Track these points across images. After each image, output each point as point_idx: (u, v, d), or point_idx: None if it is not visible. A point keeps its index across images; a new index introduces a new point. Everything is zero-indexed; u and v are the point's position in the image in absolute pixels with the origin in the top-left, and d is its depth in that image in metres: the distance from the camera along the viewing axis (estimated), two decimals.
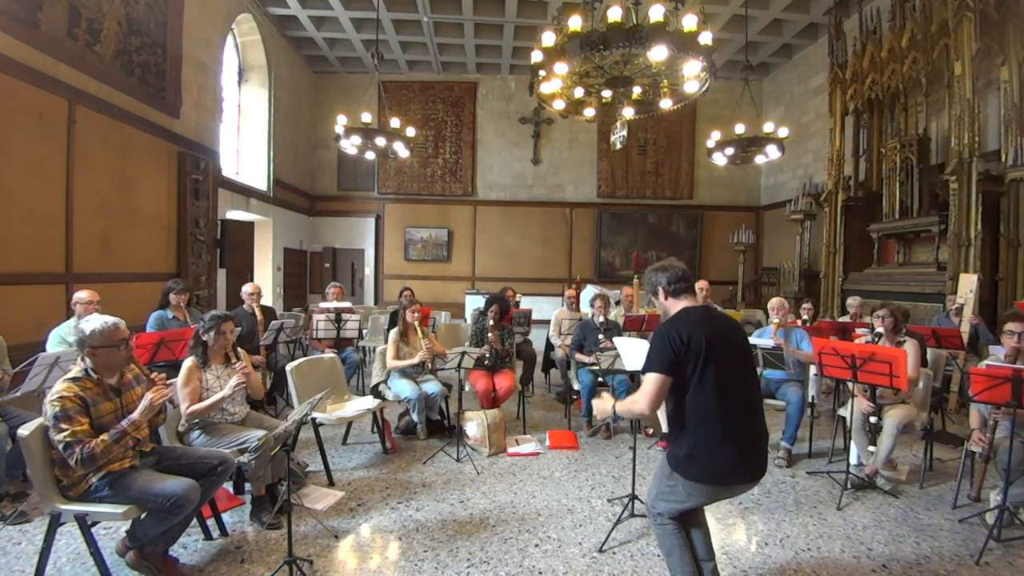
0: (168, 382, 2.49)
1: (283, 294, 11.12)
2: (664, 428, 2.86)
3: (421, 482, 3.57)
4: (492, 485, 3.54)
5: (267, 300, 8.86)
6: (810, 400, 4.25)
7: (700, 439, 1.96)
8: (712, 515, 2.92)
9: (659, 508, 2.15)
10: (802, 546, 2.82)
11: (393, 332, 4.50)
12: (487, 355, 4.54)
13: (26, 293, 4.99)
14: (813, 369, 3.96)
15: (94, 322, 2.32)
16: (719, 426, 1.94)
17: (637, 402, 2.01)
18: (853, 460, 3.70)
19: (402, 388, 4.25)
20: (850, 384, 3.56)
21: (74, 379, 2.26)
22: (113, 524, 2.76)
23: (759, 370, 3.79)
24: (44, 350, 3.45)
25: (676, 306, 2.13)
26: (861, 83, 8.10)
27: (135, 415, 2.29)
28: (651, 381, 1.97)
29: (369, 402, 4.04)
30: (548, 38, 4.69)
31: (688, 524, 2.20)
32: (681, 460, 2.01)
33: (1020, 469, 2.90)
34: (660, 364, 1.96)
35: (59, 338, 3.71)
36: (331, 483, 3.50)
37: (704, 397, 1.93)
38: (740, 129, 7.16)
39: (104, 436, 2.19)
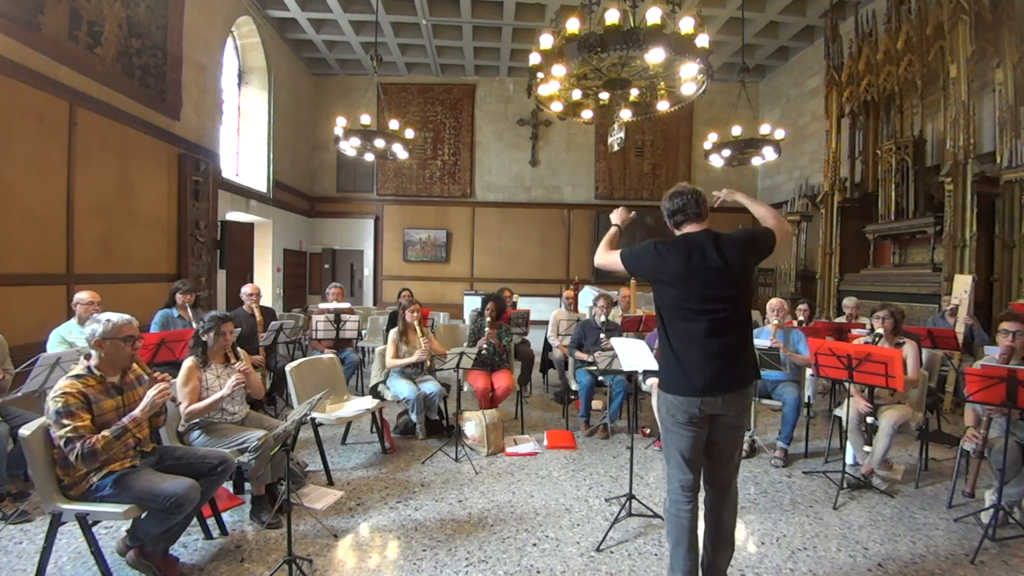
0: (171, 381, 2.52)
1: (283, 295, 11.13)
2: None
3: (420, 482, 3.58)
4: (490, 485, 3.56)
5: (267, 301, 8.87)
6: (806, 400, 4.28)
7: (672, 352, 2.11)
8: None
9: (676, 479, 2.15)
10: (798, 545, 2.85)
11: (393, 332, 4.53)
12: (484, 347, 4.58)
13: (27, 294, 5.00)
14: (809, 369, 3.99)
15: (112, 314, 2.40)
16: (685, 344, 2.08)
17: (600, 250, 2.38)
18: (849, 460, 3.72)
19: (401, 388, 4.27)
20: (846, 384, 3.58)
21: (77, 376, 2.29)
22: (114, 523, 2.78)
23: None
24: (45, 350, 3.47)
25: (678, 235, 2.23)
26: (857, 85, 8.14)
27: (136, 412, 2.31)
28: (615, 257, 2.28)
29: (368, 402, 4.06)
30: (546, 41, 4.72)
31: (718, 493, 2.21)
32: (661, 374, 2.18)
33: (1015, 469, 2.92)
34: (632, 264, 2.25)
35: (60, 338, 3.73)
36: (330, 483, 3.52)
37: (674, 317, 2.12)
38: (737, 131, 7.20)
39: (105, 432, 2.21)
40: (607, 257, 2.32)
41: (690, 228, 2.18)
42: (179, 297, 4.53)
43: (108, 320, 2.35)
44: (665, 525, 2.23)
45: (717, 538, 2.21)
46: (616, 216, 2.52)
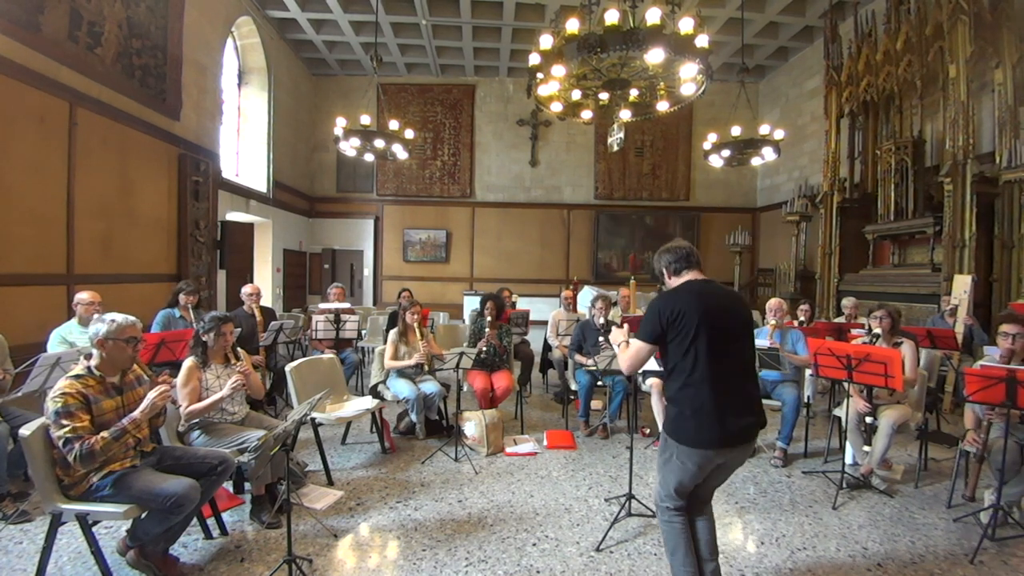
0: (172, 382, 2.52)
1: (282, 295, 11.14)
2: (661, 427, 2.89)
3: (420, 482, 3.59)
4: (490, 485, 3.57)
5: (267, 301, 8.88)
6: (806, 400, 4.29)
7: (688, 405, 2.06)
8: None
9: (666, 501, 2.19)
10: (798, 545, 2.85)
11: (393, 332, 4.53)
12: (484, 348, 4.58)
13: (28, 294, 5.00)
14: (809, 369, 3.99)
15: (117, 315, 2.40)
16: (705, 393, 2.02)
17: (622, 360, 2.26)
18: (848, 460, 3.73)
19: (400, 388, 4.27)
20: (846, 384, 3.59)
21: (77, 376, 2.29)
22: (114, 523, 2.79)
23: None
24: (45, 350, 3.47)
25: (678, 282, 2.21)
26: (856, 85, 8.14)
27: (136, 413, 2.31)
28: (635, 347, 2.19)
29: (368, 402, 4.06)
30: (546, 41, 4.73)
31: (695, 514, 2.23)
32: (672, 424, 2.12)
33: (1014, 469, 2.93)
34: (646, 334, 2.13)
35: (60, 338, 3.73)
36: (330, 483, 3.52)
37: (693, 366, 2.04)
38: (736, 131, 7.20)
39: (104, 433, 2.21)
40: (629, 354, 2.19)
41: (691, 276, 2.18)
42: (182, 298, 4.54)
43: (113, 320, 2.36)
44: (663, 537, 2.26)
45: (703, 547, 2.23)
46: (618, 337, 2.40)
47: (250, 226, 10.14)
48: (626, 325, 2.49)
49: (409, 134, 7.60)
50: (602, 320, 4.73)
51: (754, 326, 2.27)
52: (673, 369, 2.10)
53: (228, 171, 9.34)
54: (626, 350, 2.24)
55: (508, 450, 4.14)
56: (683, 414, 2.07)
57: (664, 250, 2.26)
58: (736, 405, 2.05)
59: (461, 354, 4.00)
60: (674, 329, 2.05)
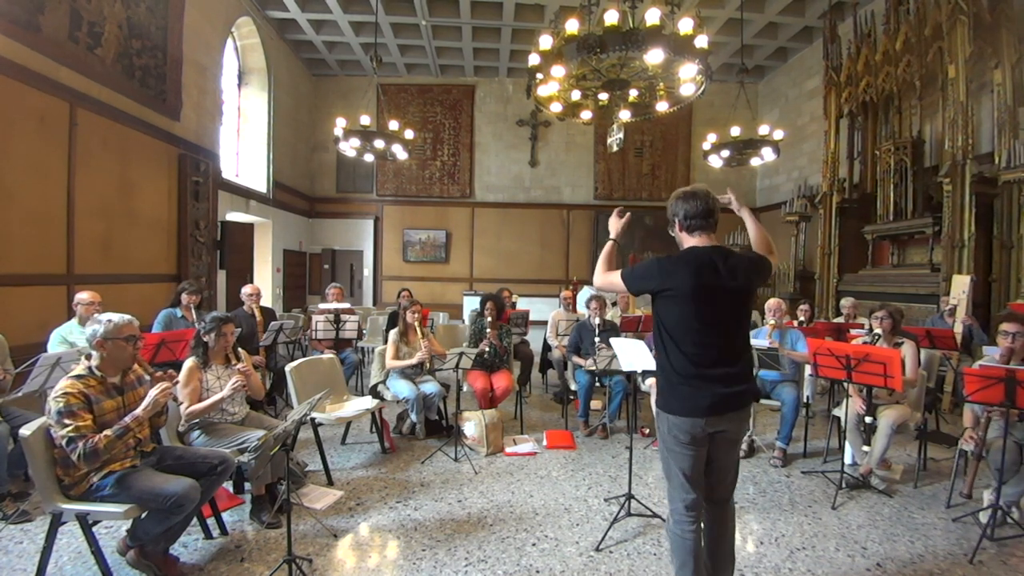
0: (175, 379, 2.53)
1: (282, 295, 11.14)
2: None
3: (419, 482, 3.59)
4: (490, 485, 3.57)
5: (266, 301, 8.88)
6: (805, 400, 4.29)
7: (675, 373, 2.03)
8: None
9: (676, 500, 2.11)
10: (797, 545, 2.85)
11: (393, 332, 4.54)
12: (487, 349, 4.58)
13: (28, 294, 5.00)
14: (808, 369, 4.00)
15: (112, 314, 2.40)
16: (693, 362, 1.99)
17: (598, 270, 2.26)
18: (848, 460, 3.73)
19: (400, 388, 4.28)
20: (845, 384, 3.59)
21: (78, 376, 2.29)
22: (114, 523, 2.79)
23: (755, 370, 3.81)
24: (46, 351, 3.48)
25: (687, 242, 2.10)
26: (855, 86, 8.16)
27: (138, 411, 2.32)
28: (616, 279, 2.16)
29: (368, 402, 4.06)
30: (545, 41, 4.74)
31: (716, 513, 2.17)
32: (662, 397, 2.09)
33: (1013, 468, 2.93)
34: (631, 281, 2.12)
35: (60, 338, 3.74)
36: (330, 482, 3.53)
37: (682, 334, 2.01)
38: (736, 131, 7.21)
39: (107, 432, 2.21)
40: (606, 278, 2.22)
41: (700, 239, 2.07)
42: (185, 297, 4.55)
43: (109, 320, 2.36)
44: (669, 545, 2.17)
45: (718, 554, 2.17)
46: (612, 227, 2.35)
47: (250, 226, 10.14)
48: (624, 213, 2.39)
49: (409, 134, 7.61)
50: (598, 320, 4.73)
51: (754, 297, 2.18)
52: (661, 332, 2.07)
53: (228, 171, 9.34)
54: (608, 270, 2.23)
55: (508, 450, 4.14)
56: (671, 382, 2.04)
57: (682, 197, 2.10)
58: (727, 377, 2.00)
59: (461, 354, 4.01)
60: (663, 299, 2.03)
